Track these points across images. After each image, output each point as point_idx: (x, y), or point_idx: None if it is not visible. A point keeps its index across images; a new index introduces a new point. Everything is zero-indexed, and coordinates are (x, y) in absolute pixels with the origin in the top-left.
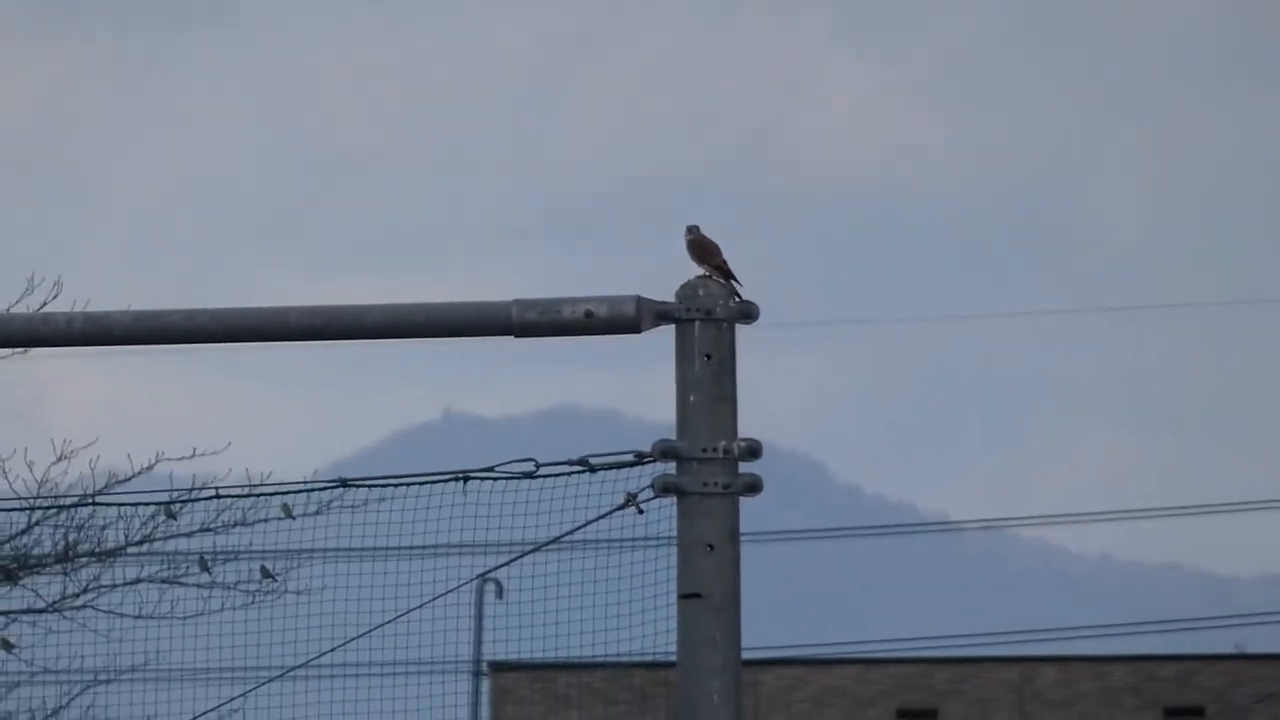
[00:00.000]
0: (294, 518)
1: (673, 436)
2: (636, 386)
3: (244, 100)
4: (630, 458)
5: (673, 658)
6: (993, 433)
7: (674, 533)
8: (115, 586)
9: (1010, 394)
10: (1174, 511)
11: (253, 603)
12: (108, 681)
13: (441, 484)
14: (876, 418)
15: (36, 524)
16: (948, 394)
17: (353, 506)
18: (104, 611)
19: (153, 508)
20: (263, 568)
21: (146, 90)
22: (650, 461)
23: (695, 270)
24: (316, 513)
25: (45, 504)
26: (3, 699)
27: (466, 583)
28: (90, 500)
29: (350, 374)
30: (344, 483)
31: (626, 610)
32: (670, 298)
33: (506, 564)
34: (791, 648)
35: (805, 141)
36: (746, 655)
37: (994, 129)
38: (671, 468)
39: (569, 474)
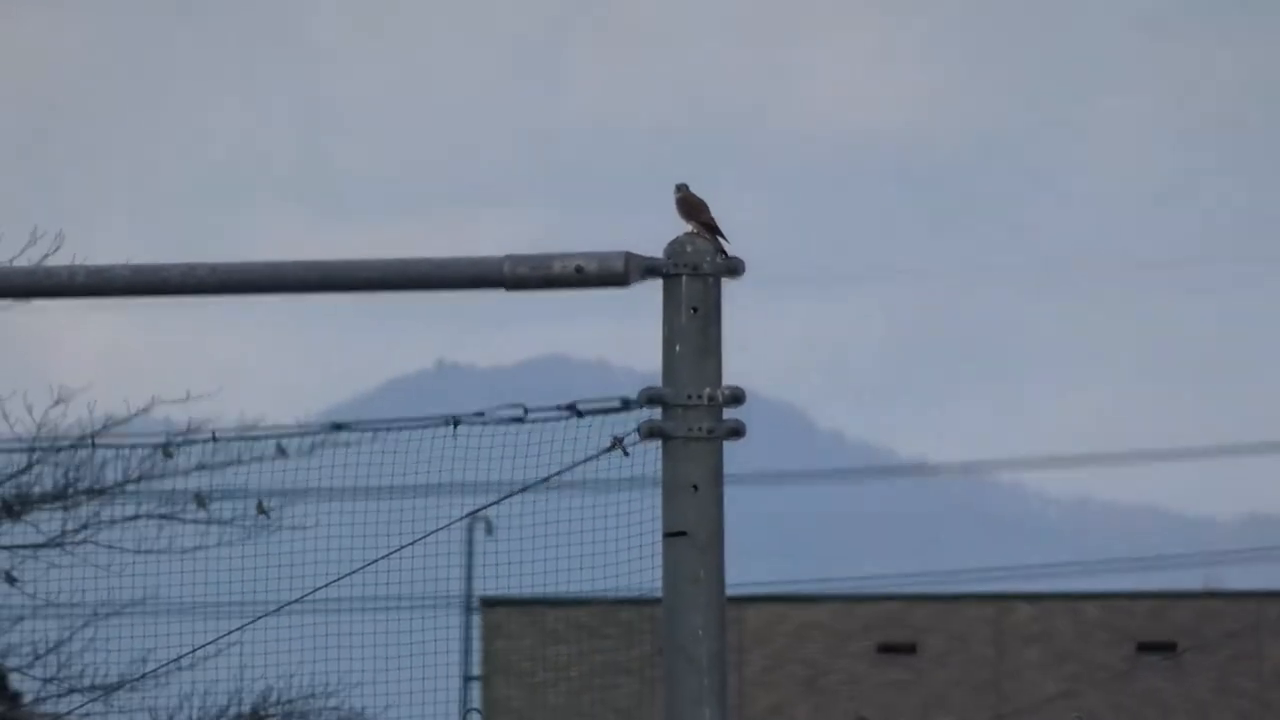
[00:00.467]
0: (288, 457)
1: (659, 385)
2: (625, 338)
3: (249, 55)
4: (617, 404)
5: (659, 594)
6: (971, 380)
7: (660, 474)
8: (114, 522)
9: (989, 343)
10: (1149, 455)
11: (248, 538)
12: (108, 615)
13: (433, 428)
14: (859, 367)
15: (36, 463)
16: (929, 344)
17: (346, 445)
18: (104, 547)
19: (149, 448)
20: (259, 503)
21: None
22: (637, 408)
23: (683, 227)
24: (310, 451)
25: (44, 444)
26: (6, 632)
27: (457, 521)
28: (89, 441)
29: (346, 324)
30: (337, 426)
31: (614, 548)
32: (660, 254)
33: (496, 503)
34: (774, 585)
35: (794, 105)
36: (730, 592)
37: (973, 93)
38: (658, 414)
39: (558, 419)
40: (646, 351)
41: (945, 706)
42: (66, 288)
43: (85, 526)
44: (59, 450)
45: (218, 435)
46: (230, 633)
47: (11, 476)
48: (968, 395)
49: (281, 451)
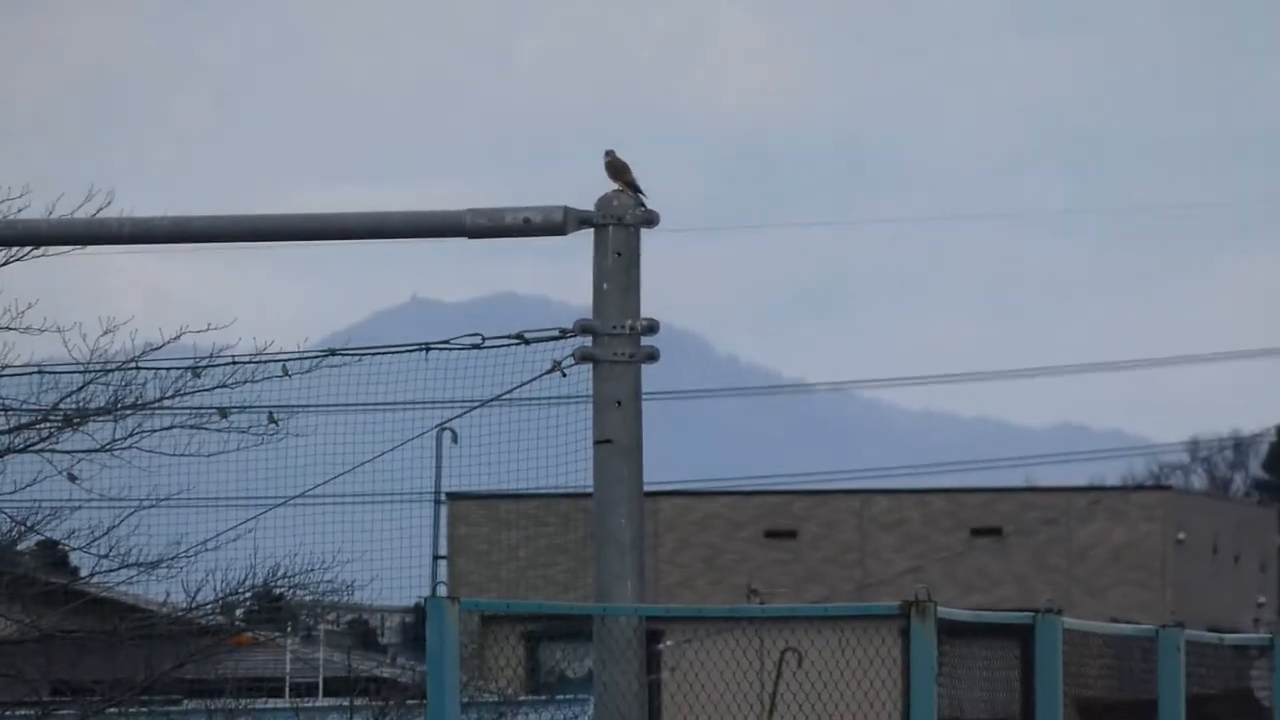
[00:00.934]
0: (291, 377)
1: (590, 317)
2: (563, 277)
3: (270, 45)
4: (556, 333)
5: (590, 489)
6: (842, 314)
7: (591, 392)
8: (153, 432)
9: (858, 284)
10: (981, 375)
11: (261, 444)
12: (150, 506)
13: (408, 353)
14: (754, 302)
15: (89, 383)
16: (811, 284)
17: (338, 367)
18: (145, 451)
19: (180, 370)
20: (269, 415)
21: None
22: (572, 336)
23: (611, 185)
24: (309, 372)
25: (96, 367)
26: (68, 519)
27: (428, 431)
28: (133, 364)
29: (339, 266)
30: (331, 352)
31: (554, 452)
32: (592, 208)
33: (459, 415)
34: (683, 483)
35: (707, 78)
36: (647, 488)
37: (860, 71)
38: (588, 341)
39: (508, 345)
40: (580, 289)
41: (818, 579)
42: (116, 236)
43: (130, 435)
44: (108, 372)
45: (235, 359)
46: (246, 521)
47: (70, 394)
48: (839, 327)
49: (286, 372)
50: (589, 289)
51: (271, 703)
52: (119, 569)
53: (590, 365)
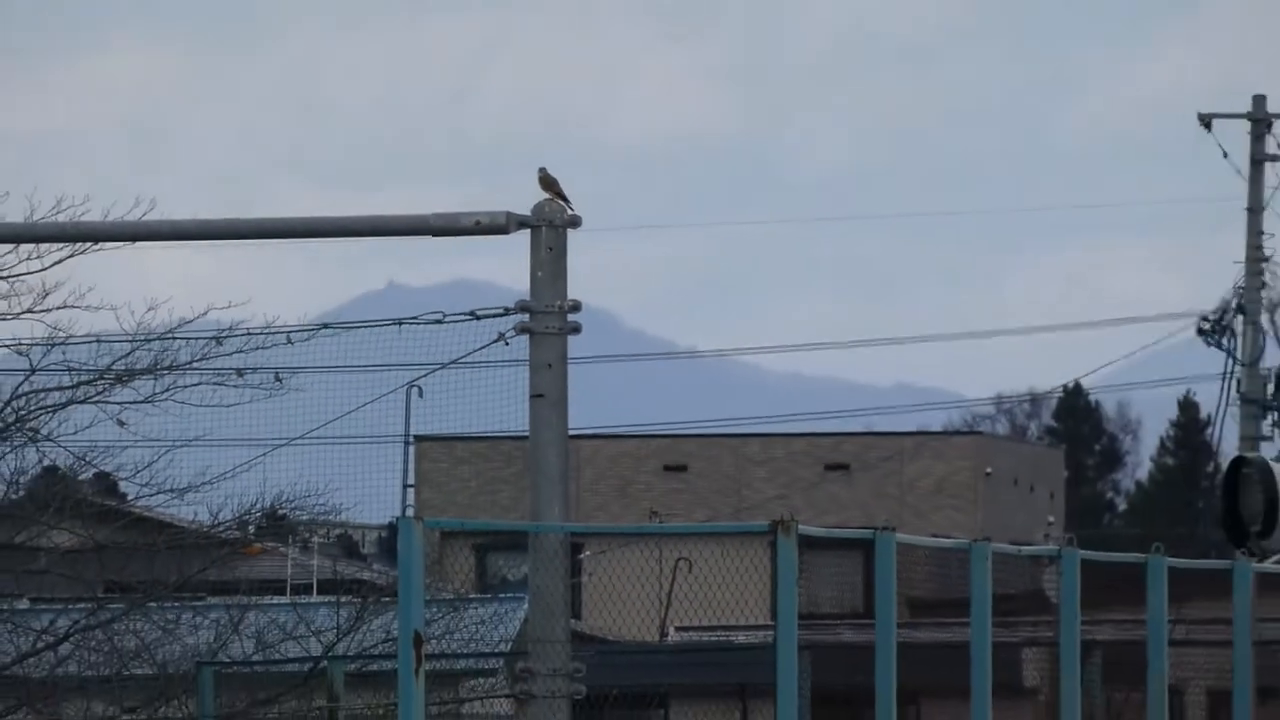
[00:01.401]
0: (292, 344)
1: (527, 298)
2: (507, 267)
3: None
4: (501, 311)
5: (527, 433)
6: (727, 296)
7: (528, 357)
8: (185, 387)
9: (738, 269)
10: (833, 344)
11: (269, 397)
12: (181, 446)
13: (385, 327)
14: (656, 287)
15: (135, 349)
16: (703, 272)
17: (330, 337)
18: (178, 403)
19: (207, 338)
20: (275, 374)
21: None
22: (513, 313)
23: (543, 195)
24: (308, 341)
25: (141, 337)
26: (117, 455)
27: (400, 388)
28: (170, 334)
29: (331, 257)
30: (325, 325)
31: (499, 404)
32: (529, 213)
33: (424, 375)
34: (599, 428)
35: (626, 105)
36: (570, 432)
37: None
38: (526, 317)
39: (464, 321)
40: (521, 276)
41: (705, 504)
42: (156, 234)
43: (166, 390)
44: (149, 341)
45: (249, 331)
46: (257, 457)
47: (121, 358)
48: (725, 306)
49: (289, 341)
50: (527, 276)
51: (275, 599)
52: (156, 494)
53: (527, 336)
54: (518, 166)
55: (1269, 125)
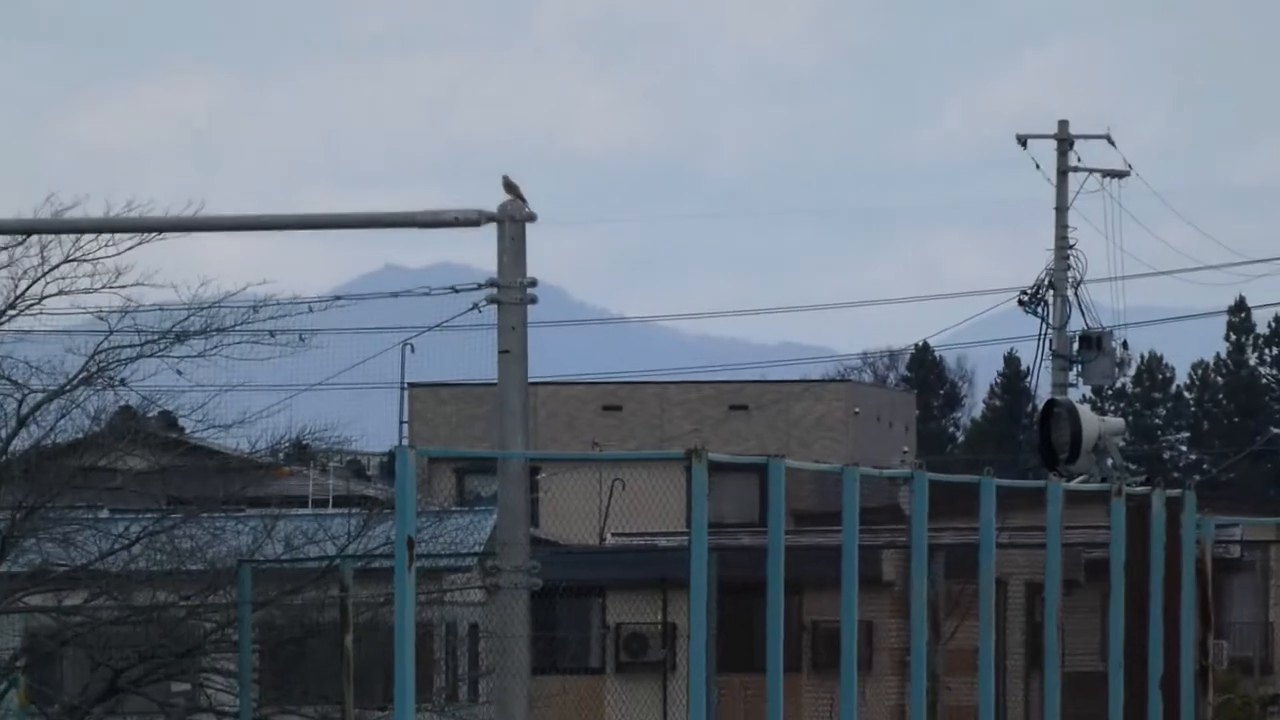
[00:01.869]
0: (313, 311)
1: (496, 276)
2: (479, 253)
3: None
4: (476, 286)
5: (496, 380)
6: (654, 275)
7: (496, 322)
8: (229, 344)
9: (665, 251)
10: (734, 312)
11: (294, 354)
12: (227, 390)
13: (386, 298)
14: (597, 266)
15: (189, 316)
16: (635, 255)
17: (342, 307)
18: (225, 357)
19: (245, 307)
20: (299, 335)
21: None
22: (486, 288)
23: (505, 196)
24: (325, 310)
25: (194, 307)
26: (178, 398)
27: (396, 344)
28: (216, 305)
29: (341, 244)
30: (338, 297)
31: (474, 358)
32: (496, 210)
33: (415, 335)
34: (551, 376)
35: (575, 122)
36: (530, 380)
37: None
38: (495, 291)
39: (446, 294)
40: (491, 259)
41: (635, 437)
42: (206, 226)
43: (215, 347)
44: (202, 309)
45: (279, 301)
46: (285, 399)
47: (179, 322)
48: (652, 282)
49: (310, 310)
50: (494, 259)
51: (299, 511)
52: (208, 429)
53: (496, 306)
54: (489, 173)
55: (1070, 143)
